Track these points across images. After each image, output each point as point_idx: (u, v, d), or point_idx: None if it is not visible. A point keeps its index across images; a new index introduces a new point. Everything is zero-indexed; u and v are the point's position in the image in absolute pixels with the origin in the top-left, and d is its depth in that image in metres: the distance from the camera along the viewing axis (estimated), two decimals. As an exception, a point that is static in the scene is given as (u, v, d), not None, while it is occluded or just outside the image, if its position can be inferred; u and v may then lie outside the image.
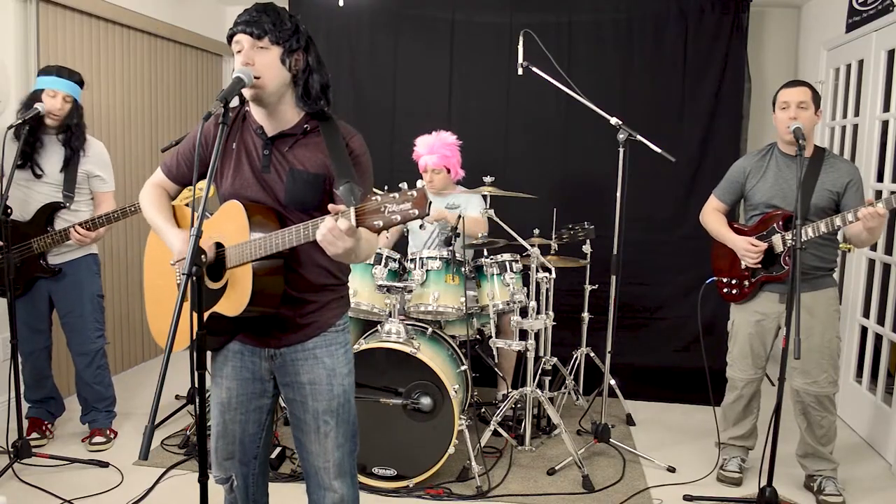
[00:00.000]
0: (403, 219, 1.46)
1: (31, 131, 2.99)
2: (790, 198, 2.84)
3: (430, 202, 1.49)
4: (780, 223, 2.86)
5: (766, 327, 2.99)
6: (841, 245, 3.73)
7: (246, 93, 1.73)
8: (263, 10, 1.74)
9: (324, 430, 1.88)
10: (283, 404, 2.03)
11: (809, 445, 2.97)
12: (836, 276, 2.97)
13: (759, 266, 2.92)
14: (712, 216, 3.11)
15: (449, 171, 3.73)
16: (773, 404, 2.57)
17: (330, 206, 1.51)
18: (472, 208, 3.68)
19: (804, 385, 2.89)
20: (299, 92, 1.79)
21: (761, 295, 2.97)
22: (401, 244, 3.96)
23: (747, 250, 2.90)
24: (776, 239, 2.86)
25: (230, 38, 1.75)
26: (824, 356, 2.87)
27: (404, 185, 1.47)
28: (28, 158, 3.04)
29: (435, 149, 3.67)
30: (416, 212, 1.45)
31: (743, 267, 2.97)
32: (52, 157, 3.11)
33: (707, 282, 3.08)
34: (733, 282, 3.02)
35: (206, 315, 1.75)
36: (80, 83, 3.13)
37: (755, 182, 2.96)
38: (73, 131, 3.10)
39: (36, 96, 3.02)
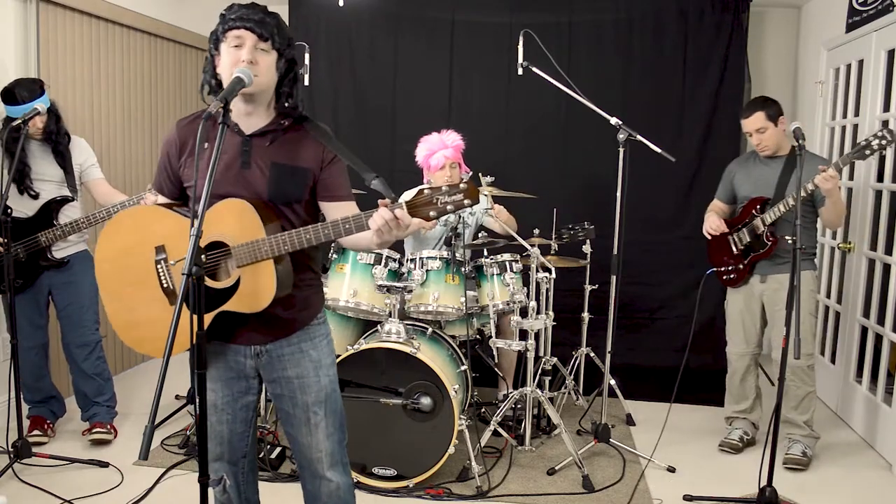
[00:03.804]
0: (456, 207, 1.61)
1: (11, 157, 2.97)
2: (764, 190, 3.25)
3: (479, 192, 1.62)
4: (758, 207, 3.23)
5: (752, 305, 3.37)
6: (840, 245, 3.89)
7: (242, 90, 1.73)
8: (267, 13, 1.76)
9: (314, 422, 1.91)
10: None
11: (789, 410, 3.27)
12: (816, 261, 3.35)
13: (745, 248, 3.29)
14: (709, 214, 3.46)
15: (459, 165, 3.69)
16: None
17: (380, 201, 1.64)
18: (479, 206, 3.65)
19: (780, 356, 3.15)
20: (285, 99, 1.84)
21: (752, 278, 3.34)
22: (398, 243, 3.94)
23: (710, 225, 3.36)
24: (757, 222, 3.22)
25: (227, 31, 1.74)
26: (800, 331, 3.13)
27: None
28: (22, 185, 3.07)
29: (448, 143, 3.62)
30: (469, 201, 1.60)
31: (734, 251, 3.33)
32: (49, 167, 3.15)
33: (707, 273, 3.34)
34: (730, 268, 3.38)
35: (212, 315, 1.76)
36: (42, 88, 3.10)
37: (740, 181, 3.38)
38: (56, 130, 3.15)
39: (17, 123, 2.95)
